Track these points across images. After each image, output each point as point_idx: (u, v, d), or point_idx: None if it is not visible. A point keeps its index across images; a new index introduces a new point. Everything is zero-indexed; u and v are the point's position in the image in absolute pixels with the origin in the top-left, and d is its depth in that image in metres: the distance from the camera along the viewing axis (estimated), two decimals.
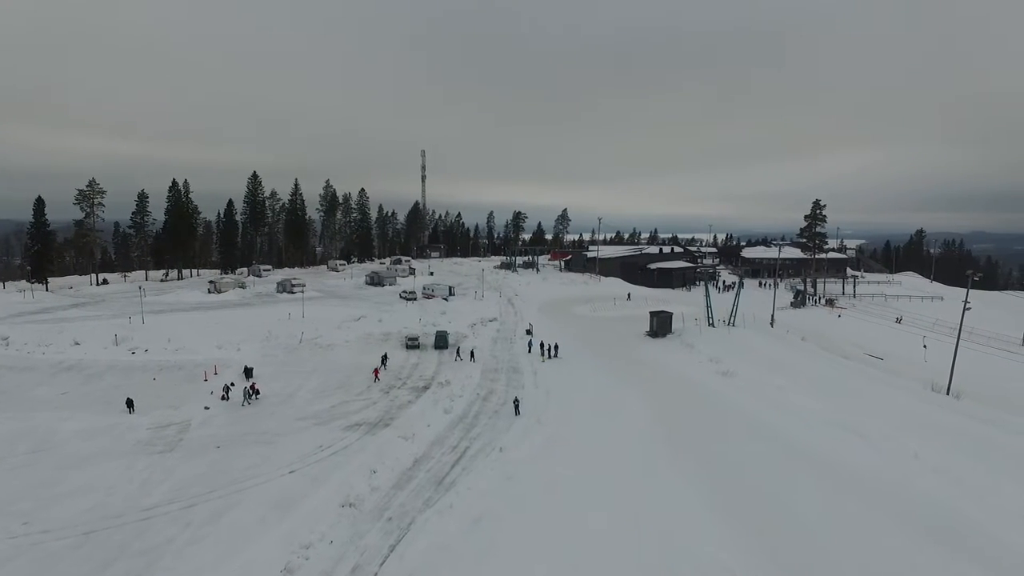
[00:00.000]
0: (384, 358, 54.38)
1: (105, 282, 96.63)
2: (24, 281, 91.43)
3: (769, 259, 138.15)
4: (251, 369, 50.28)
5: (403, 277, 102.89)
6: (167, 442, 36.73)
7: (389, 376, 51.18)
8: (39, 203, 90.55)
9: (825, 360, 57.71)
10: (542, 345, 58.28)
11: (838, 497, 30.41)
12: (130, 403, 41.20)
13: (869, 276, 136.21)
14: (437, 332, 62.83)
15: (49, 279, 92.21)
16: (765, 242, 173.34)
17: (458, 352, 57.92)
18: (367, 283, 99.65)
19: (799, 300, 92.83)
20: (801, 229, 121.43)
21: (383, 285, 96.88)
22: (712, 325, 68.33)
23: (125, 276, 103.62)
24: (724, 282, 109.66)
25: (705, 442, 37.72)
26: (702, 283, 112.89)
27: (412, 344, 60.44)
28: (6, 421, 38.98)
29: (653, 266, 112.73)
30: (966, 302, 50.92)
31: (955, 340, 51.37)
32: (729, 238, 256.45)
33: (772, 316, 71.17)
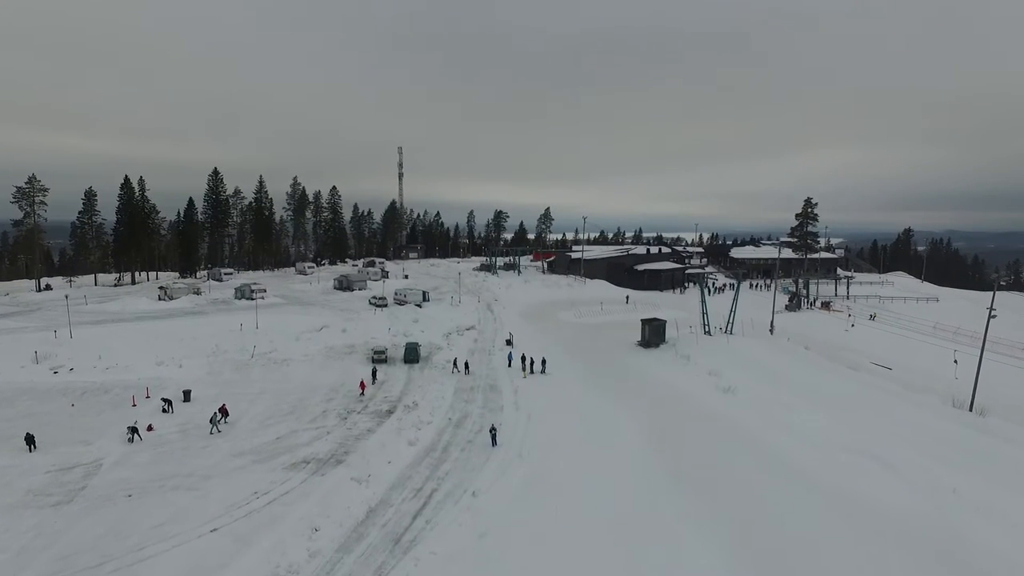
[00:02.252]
0: (374, 372, 49.69)
1: (48, 288, 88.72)
2: None
3: (758, 259, 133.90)
4: (189, 391, 43.78)
5: (375, 281, 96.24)
6: (67, 490, 30.18)
7: (348, 400, 44.86)
8: None
9: (832, 372, 52.61)
10: (523, 358, 52.36)
11: (872, 546, 25.44)
12: (30, 439, 34.44)
13: (859, 276, 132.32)
14: (407, 344, 56.63)
15: None
16: (753, 241, 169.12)
17: (454, 364, 52.54)
18: (335, 288, 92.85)
19: (794, 303, 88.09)
20: (792, 228, 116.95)
21: (352, 290, 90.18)
22: (708, 333, 63.01)
23: (71, 281, 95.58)
24: (714, 284, 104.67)
25: (711, 476, 32.37)
26: (691, 285, 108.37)
27: (379, 358, 54.13)
28: None
29: (641, 267, 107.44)
30: (991, 309, 46.00)
31: (970, 348, 46.44)
32: (715, 237, 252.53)
33: (772, 322, 66.03)
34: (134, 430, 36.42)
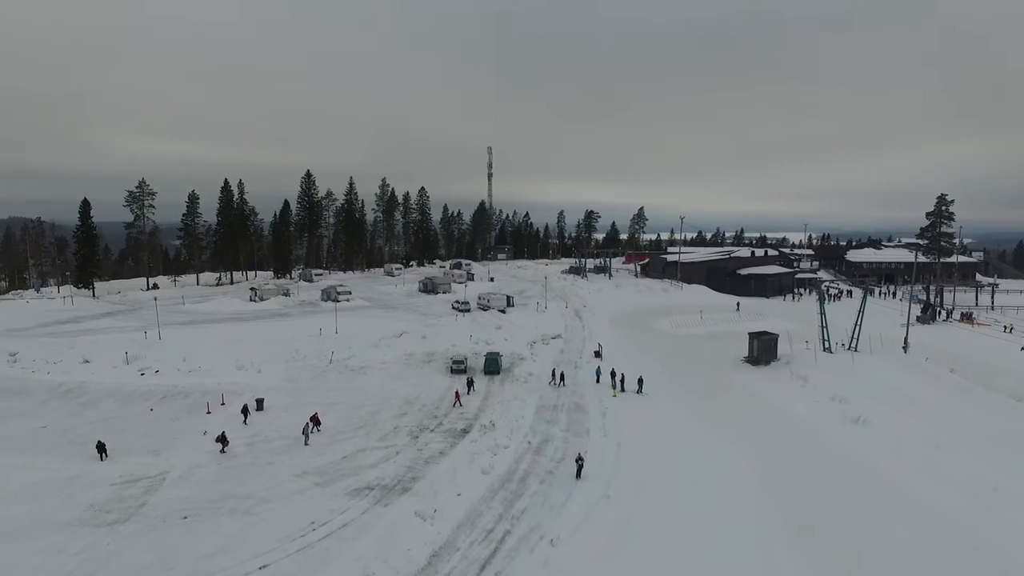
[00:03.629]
0: (470, 382, 46.91)
1: (155, 287, 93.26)
2: (71, 286, 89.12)
3: (880, 263, 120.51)
4: (262, 400, 42.35)
5: (459, 283, 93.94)
6: (126, 507, 28.67)
7: (422, 415, 41.76)
8: (85, 205, 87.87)
9: (992, 403, 43.57)
10: (613, 374, 47.31)
11: None
12: (101, 447, 33.66)
13: (1004, 283, 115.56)
14: (488, 354, 53.06)
15: (100, 283, 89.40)
16: (873, 243, 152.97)
17: (561, 378, 48.85)
18: (420, 290, 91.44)
19: (928, 314, 76.77)
20: (921, 228, 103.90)
21: (436, 293, 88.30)
22: (828, 350, 54.96)
23: (175, 280, 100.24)
24: (828, 290, 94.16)
25: (844, 533, 26.47)
26: (804, 292, 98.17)
27: (458, 368, 51.01)
28: None
29: (745, 271, 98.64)
30: None
31: None
32: (826, 238, 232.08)
33: (905, 338, 56.79)
34: (224, 440, 35.16)
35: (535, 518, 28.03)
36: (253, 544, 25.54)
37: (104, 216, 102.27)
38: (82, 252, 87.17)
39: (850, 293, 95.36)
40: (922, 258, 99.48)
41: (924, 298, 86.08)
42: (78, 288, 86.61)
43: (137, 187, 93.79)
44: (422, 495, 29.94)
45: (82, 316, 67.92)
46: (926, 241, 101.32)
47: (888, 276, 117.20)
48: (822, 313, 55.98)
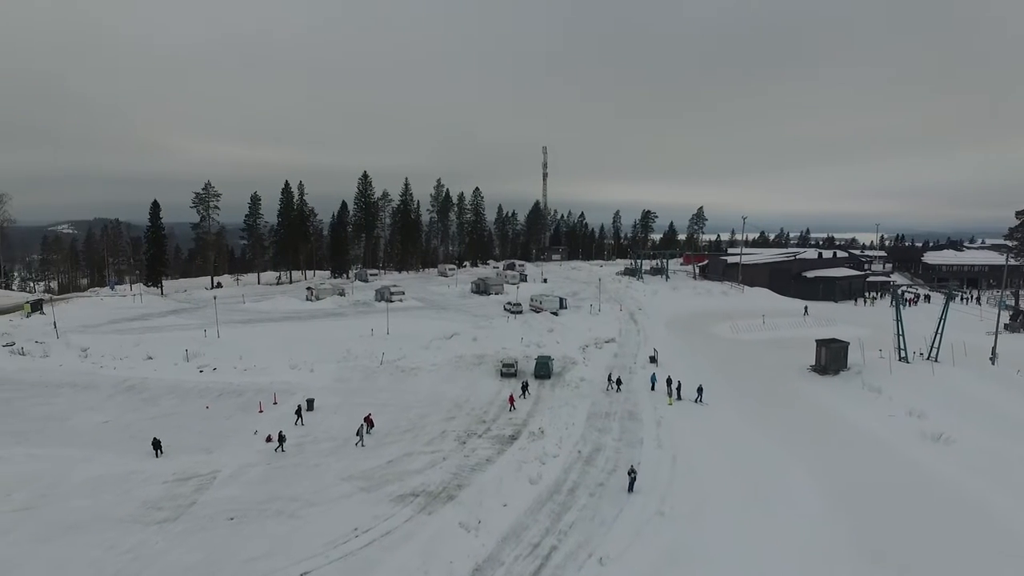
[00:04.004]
0: (525, 386, 45.85)
1: (219, 285, 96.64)
2: (141, 285, 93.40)
3: (961, 266, 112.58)
4: (312, 400, 42.56)
5: (512, 284, 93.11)
6: (176, 505, 29.03)
7: (470, 419, 41.00)
8: (155, 207, 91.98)
9: None
10: (669, 381, 45.27)
11: None
12: (157, 444, 34.42)
13: None
14: (538, 357, 51.89)
15: (168, 282, 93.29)
16: (953, 244, 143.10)
17: (618, 383, 47.29)
18: (472, 291, 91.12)
19: (1018, 322, 70.77)
20: (1010, 229, 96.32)
21: (489, 294, 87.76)
22: (905, 359, 51.03)
23: (237, 280, 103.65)
24: (904, 295, 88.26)
25: (924, 565, 24.08)
26: (877, 296, 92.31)
27: (508, 372, 50.12)
28: (21, 460, 33.64)
29: (811, 274, 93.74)
30: None
31: None
32: (899, 239, 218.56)
33: (993, 348, 52.14)
34: (282, 438, 35.63)
35: (584, 533, 26.70)
36: (297, 549, 25.29)
37: (180, 217, 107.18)
38: (151, 252, 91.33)
39: (927, 298, 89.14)
40: (1012, 261, 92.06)
41: (1013, 304, 79.41)
42: (147, 286, 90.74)
43: (203, 189, 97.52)
44: (467, 504, 29.09)
45: (149, 314, 70.80)
46: (1015, 242, 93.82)
47: (971, 280, 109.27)
48: (898, 319, 52.00)
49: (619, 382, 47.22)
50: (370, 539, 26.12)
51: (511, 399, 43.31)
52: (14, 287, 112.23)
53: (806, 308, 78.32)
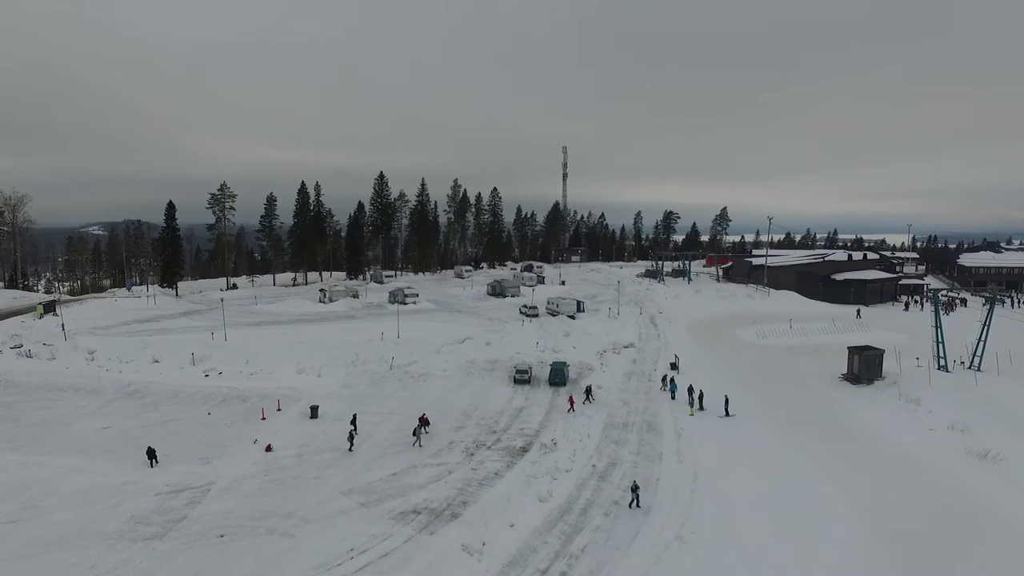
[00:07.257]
0: (588, 390, 44.39)
1: (234, 287, 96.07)
2: (156, 286, 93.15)
3: (1000, 268, 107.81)
4: (316, 407, 40.98)
5: (529, 286, 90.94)
6: (166, 520, 27.48)
7: (479, 429, 39.01)
8: (170, 208, 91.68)
9: None
10: (690, 390, 42.83)
11: None
12: (151, 453, 32.99)
13: None
14: (554, 363, 49.74)
15: (183, 283, 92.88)
16: (991, 246, 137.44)
17: (672, 382, 45.93)
18: (488, 293, 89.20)
19: None
20: None
21: (505, 296, 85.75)
22: (945, 368, 47.87)
23: (252, 281, 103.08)
24: (941, 299, 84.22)
25: None
26: (916, 300, 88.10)
27: (521, 378, 48.08)
28: (13, 468, 32.47)
29: (840, 276, 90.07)
30: None
31: None
32: (932, 240, 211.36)
33: None
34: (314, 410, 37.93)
35: (596, 559, 24.58)
36: (287, 572, 23.57)
37: (200, 219, 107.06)
38: (166, 253, 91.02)
39: (964, 302, 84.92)
40: None
41: None
42: (163, 288, 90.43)
43: (219, 190, 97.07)
44: (471, 524, 27.10)
45: (161, 315, 70.05)
46: None
47: (1010, 283, 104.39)
48: (937, 326, 48.85)
49: (672, 381, 45.96)
50: (366, 561, 24.31)
51: (571, 400, 42.52)
52: (39, 288, 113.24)
53: (859, 311, 77.36)
